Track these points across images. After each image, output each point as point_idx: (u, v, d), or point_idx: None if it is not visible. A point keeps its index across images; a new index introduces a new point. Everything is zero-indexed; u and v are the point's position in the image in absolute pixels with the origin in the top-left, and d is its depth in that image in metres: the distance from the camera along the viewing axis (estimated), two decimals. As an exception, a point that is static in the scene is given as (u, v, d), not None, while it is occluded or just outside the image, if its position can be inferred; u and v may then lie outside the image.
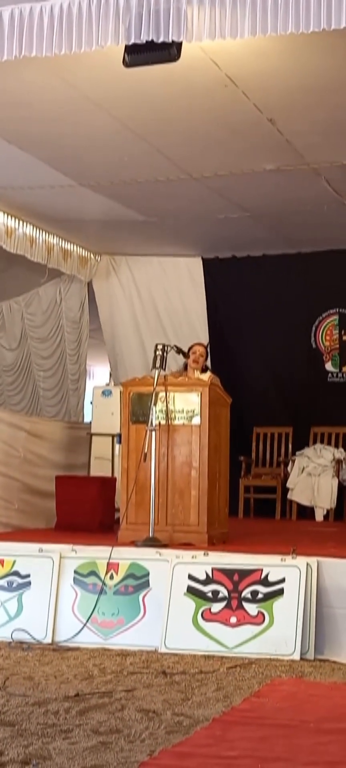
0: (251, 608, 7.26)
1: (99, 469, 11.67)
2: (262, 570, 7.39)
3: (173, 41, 6.06)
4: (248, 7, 5.82)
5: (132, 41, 6.08)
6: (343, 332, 12.83)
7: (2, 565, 8.01)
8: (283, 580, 7.28)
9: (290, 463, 12.36)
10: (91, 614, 7.59)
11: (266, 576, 7.35)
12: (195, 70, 7.21)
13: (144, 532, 8.24)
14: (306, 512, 12.18)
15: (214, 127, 8.49)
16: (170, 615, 7.36)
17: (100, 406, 12.11)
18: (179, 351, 9.19)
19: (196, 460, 8.46)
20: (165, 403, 8.48)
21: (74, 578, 7.79)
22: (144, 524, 8.30)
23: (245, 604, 7.29)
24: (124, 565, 7.73)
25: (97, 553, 7.86)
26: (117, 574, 7.71)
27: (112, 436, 11.68)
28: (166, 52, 6.24)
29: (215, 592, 7.40)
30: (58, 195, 10.52)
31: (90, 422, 12.35)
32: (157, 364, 8.47)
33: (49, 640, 7.56)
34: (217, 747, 4.67)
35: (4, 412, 11.68)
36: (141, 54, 6.34)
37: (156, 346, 8.64)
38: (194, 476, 8.46)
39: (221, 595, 7.38)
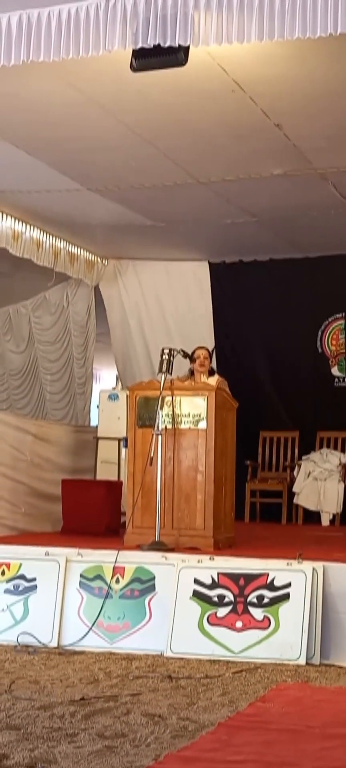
0: (257, 613, 7.26)
1: (105, 472, 11.67)
2: (268, 574, 7.38)
3: (180, 46, 6.06)
4: (254, 12, 5.83)
5: (139, 46, 6.09)
6: (349, 337, 12.83)
7: (8, 569, 8.02)
8: (289, 585, 7.28)
9: (296, 467, 12.35)
10: (97, 618, 7.59)
11: (272, 580, 7.34)
12: (202, 75, 7.22)
13: (150, 536, 8.24)
14: (312, 517, 12.16)
15: (221, 132, 8.50)
16: (176, 619, 7.36)
17: (106, 409, 12.10)
18: (186, 355, 9.19)
19: (202, 464, 8.46)
20: (171, 407, 8.49)
21: (80, 582, 7.80)
22: (150, 528, 8.30)
23: (251, 609, 7.28)
24: (130, 569, 7.73)
25: (103, 557, 7.86)
26: (123, 578, 7.71)
27: (119, 439, 11.68)
28: (174, 56, 6.25)
29: (221, 597, 7.39)
30: (64, 199, 10.54)
31: (96, 426, 12.35)
32: (164, 368, 8.48)
33: (54, 643, 7.56)
34: (222, 752, 4.67)
35: (11, 416, 11.70)
36: (148, 58, 6.35)
37: (162, 350, 8.65)
38: (200, 480, 8.46)
39: (226, 599, 7.37)
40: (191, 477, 8.48)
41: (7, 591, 7.92)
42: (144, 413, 8.63)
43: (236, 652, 7.13)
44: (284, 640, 7.09)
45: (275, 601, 7.26)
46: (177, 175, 9.67)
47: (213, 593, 7.43)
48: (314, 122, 8.21)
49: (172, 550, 8.05)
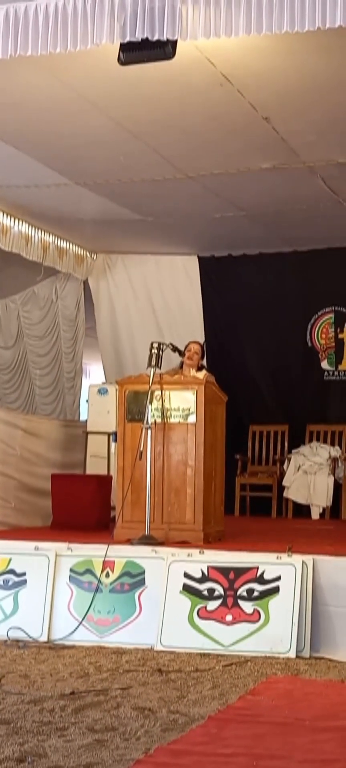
0: (247, 606, 7.26)
1: (95, 467, 11.67)
2: (258, 568, 7.39)
3: (168, 39, 6.06)
4: (242, 6, 5.84)
5: (127, 39, 6.08)
6: (339, 330, 12.86)
7: (-2, 564, 8.02)
8: (279, 578, 7.29)
9: (286, 461, 12.38)
10: (87, 612, 7.59)
11: (262, 574, 7.35)
12: (191, 69, 7.22)
13: (140, 530, 8.24)
14: (302, 510, 12.20)
15: (209, 126, 8.50)
16: (166, 613, 7.37)
17: (96, 404, 12.11)
18: (175, 349, 9.18)
19: (191, 458, 8.46)
20: (161, 401, 8.49)
21: (70, 576, 7.79)
22: (140, 522, 8.30)
23: (241, 602, 7.29)
24: (120, 563, 7.73)
25: (93, 551, 7.86)
26: (113, 572, 7.72)
27: (108, 434, 11.67)
28: (162, 50, 6.25)
29: (211, 590, 7.40)
30: (53, 194, 10.53)
31: (86, 420, 12.35)
32: (153, 363, 8.48)
33: (44, 638, 7.55)
34: (212, 745, 4.68)
35: (1, 411, 11.69)
36: (136, 52, 6.34)
37: (152, 344, 8.64)
38: (190, 474, 8.46)
39: (216, 593, 7.38)
40: (181, 471, 8.49)
41: (-4, 586, 7.93)
42: (133, 407, 8.63)
43: (226, 645, 7.14)
44: (274, 634, 7.10)
45: (265, 594, 7.27)
46: (166, 170, 9.67)
47: (203, 587, 7.43)
48: (303, 116, 8.22)
49: (162, 544, 8.06)
